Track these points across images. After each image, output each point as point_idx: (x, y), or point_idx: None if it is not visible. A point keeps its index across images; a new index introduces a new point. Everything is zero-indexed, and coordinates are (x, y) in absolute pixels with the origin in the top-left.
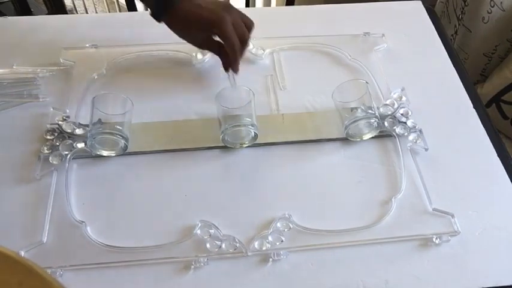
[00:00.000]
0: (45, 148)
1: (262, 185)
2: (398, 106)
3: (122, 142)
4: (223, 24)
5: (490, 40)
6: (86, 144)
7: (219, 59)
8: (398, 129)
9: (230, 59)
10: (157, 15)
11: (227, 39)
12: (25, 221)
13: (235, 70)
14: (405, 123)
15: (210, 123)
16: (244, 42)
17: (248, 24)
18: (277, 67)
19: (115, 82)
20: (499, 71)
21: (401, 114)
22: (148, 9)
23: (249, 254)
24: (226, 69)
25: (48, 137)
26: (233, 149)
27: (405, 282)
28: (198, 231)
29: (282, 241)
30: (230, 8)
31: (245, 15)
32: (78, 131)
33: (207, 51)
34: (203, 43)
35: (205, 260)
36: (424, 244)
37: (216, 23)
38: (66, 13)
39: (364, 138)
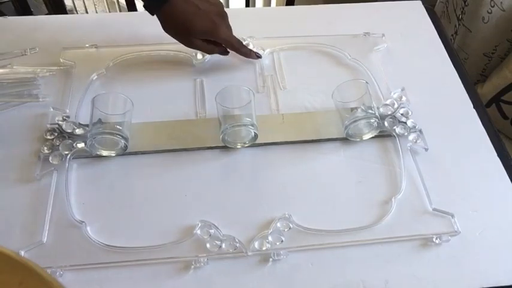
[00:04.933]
0: (45, 148)
1: (262, 185)
2: (398, 106)
3: (122, 142)
4: (219, 33)
5: (490, 40)
6: (86, 144)
7: (219, 59)
8: (398, 129)
9: (240, 54)
10: (150, 8)
11: (227, 43)
12: (25, 221)
13: (249, 57)
14: (405, 123)
15: (210, 123)
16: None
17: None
18: (277, 67)
19: (115, 82)
20: (499, 71)
21: (402, 114)
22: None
23: (249, 254)
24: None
25: (48, 137)
26: (233, 149)
27: (405, 282)
28: (198, 231)
29: (282, 241)
30: (224, 13)
31: None
32: (78, 131)
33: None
34: (197, 47)
35: (205, 260)
36: (424, 244)
37: (211, 31)
38: (66, 13)
39: (364, 138)
